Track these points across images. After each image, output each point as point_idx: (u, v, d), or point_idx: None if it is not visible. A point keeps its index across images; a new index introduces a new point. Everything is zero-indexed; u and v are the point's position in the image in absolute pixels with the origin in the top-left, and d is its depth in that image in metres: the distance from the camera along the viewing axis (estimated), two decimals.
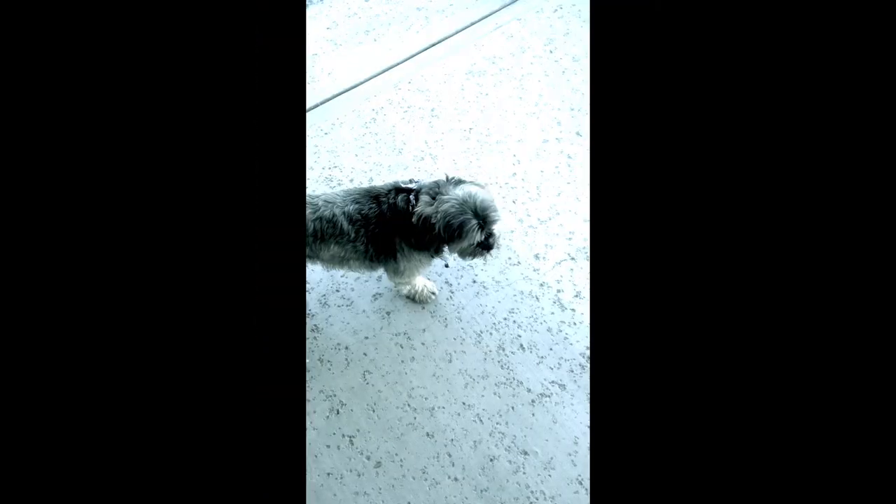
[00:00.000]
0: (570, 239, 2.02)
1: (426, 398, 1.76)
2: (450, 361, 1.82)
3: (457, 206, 1.47)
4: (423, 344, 1.86)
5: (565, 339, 1.83)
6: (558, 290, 1.92)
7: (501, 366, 1.80)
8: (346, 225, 1.59)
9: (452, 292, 1.95)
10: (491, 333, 1.86)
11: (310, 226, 1.59)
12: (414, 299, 1.92)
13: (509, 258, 2.00)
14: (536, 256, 2.00)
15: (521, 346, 1.83)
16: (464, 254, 1.60)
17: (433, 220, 1.50)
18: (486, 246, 1.57)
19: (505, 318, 1.89)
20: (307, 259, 1.70)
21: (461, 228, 1.47)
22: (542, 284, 1.94)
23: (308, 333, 1.91)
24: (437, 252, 1.58)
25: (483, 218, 1.49)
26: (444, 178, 1.57)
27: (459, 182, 1.56)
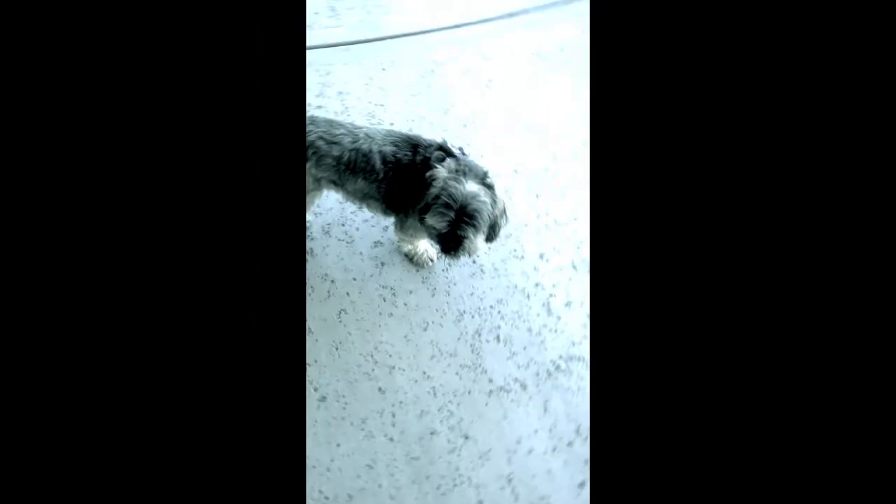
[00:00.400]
0: (578, 248, 1.99)
1: (390, 356, 1.77)
2: (425, 329, 1.83)
3: (456, 194, 1.43)
4: (405, 304, 1.87)
5: (542, 342, 1.82)
6: (551, 295, 1.90)
7: (472, 350, 1.80)
8: (378, 163, 1.57)
9: (449, 266, 1.94)
10: (473, 316, 1.86)
11: (345, 154, 1.57)
12: (411, 260, 1.92)
13: (514, 250, 1.98)
14: (541, 256, 1.97)
15: (498, 337, 1.83)
16: (428, 231, 1.55)
17: (433, 184, 1.47)
18: (444, 242, 1.51)
19: (491, 307, 1.88)
20: (332, 186, 1.69)
21: (437, 208, 1.44)
22: (537, 284, 1.92)
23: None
24: (422, 217, 1.53)
25: (460, 220, 1.44)
26: (482, 171, 1.53)
27: (489, 186, 1.51)
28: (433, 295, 1.89)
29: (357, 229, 1.99)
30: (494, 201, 1.50)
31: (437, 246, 1.55)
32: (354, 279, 1.90)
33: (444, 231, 1.48)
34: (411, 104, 2.30)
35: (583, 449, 1.68)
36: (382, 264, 1.93)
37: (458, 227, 1.46)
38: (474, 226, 1.45)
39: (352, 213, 2.01)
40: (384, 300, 1.87)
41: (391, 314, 1.85)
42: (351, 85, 2.32)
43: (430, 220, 1.48)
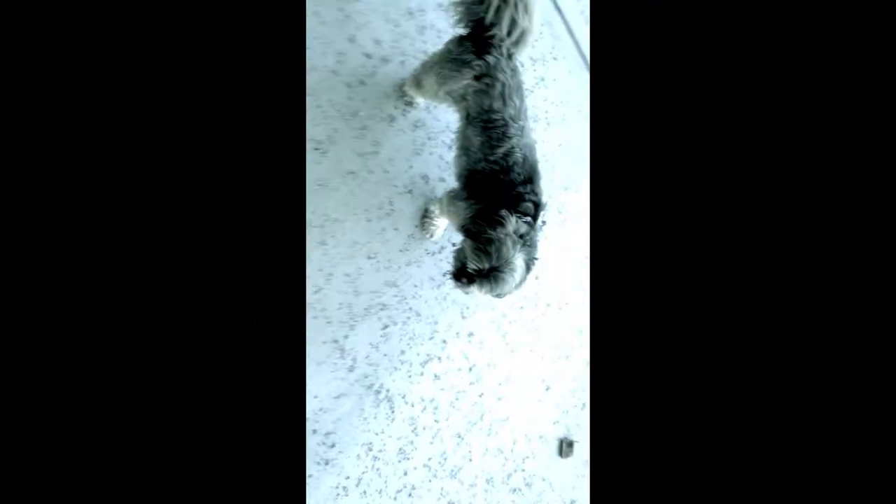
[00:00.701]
0: (498, 374, 2.07)
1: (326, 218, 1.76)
2: (367, 255, 1.84)
3: (504, 255, 1.41)
4: (388, 214, 1.87)
5: (394, 368, 1.88)
6: (439, 358, 1.97)
7: (355, 292, 1.83)
8: (502, 150, 1.53)
9: (434, 254, 1.97)
10: (395, 296, 1.89)
11: (498, 115, 1.52)
12: (423, 218, 1.93)
13: (466, 308, 2.03)
14: (470, 335, 2.04)
15: (385, 326, 1.87)
16: (458, 251, 1.54)
17: (497, 227, 1.44)
18: (460, 273, 1.49)
19: (409, 308, 1.92)
20: (462, 113, 1.63)
21: (481, 251, 1.43)
22: (444, 342, 1.98)
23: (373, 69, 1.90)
24: (466, 230, 1.52)
25: (487, 274, 1.43)
26: (535, 254, 1.53)
27: (529, 268, 1.51)
28: (400, 251, 1.90)
29: (431, 152, 1.98)
30: (521, 283, 1.51)
31: (454, 262, 1.55)
32: (385, 171, 1.88)
33: (469, 269, 1.47)
34: (560, 154, 2.31)
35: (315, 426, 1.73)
36: (410, 192, 1.93)
37: (480, 276, 1.45)
38: (490, 286, 1.46)
39: (445, 141, 1.99)
40: (379, 209, 1.87)
41: (359, 204, 1.85)
42: (556, 87, 2.32)
43: (469, 251, 1.46)
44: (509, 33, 1.52)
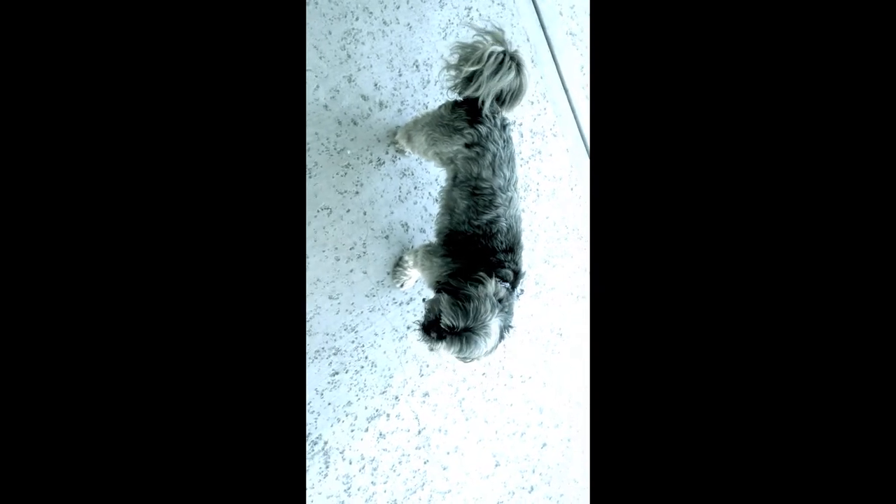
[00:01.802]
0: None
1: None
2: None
3: (480, 316, 1.34)
4: (359, 256, 1.81)
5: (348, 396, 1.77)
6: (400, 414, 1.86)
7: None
8: (486, 216, 1.52)
9: (401, 306, 1.91)
10: (353, 331, 1.81)
11: (487, 184, 1.50)
12: (396, 266, 1.88)
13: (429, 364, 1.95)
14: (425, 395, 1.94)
15: (334, 371, 1.77)
16: (434, 305, 1.47)
17: (477, 286, 1.38)
18: (430, 327, 1.41)
19: (365, 344, 1.83)
20: (450, 173, 1.61)
21: (457, 307, 1.36)
22: (396, 397, 1.88)
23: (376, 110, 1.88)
24: (440, 286, 1.47)
25: (460, 333, 1.36)
26: (511, 321, 1.47)
27: (502, 336, 1.44)
28: (366, 295, 1.84)
29: (415, 202, 1.96)
30: (492, 349, 1.43)
31: (426, 313, 1.46)
32: (364, 213, 1.84)
33: (442, 324, 1.38)
34: (546, 227, 2.31)
35: None
36: (387, 237, 1.89)
37: (452, 334, 1.36)
38: (460, 347, 1.36)
39: (432, 193, 1.97)
40: (350, 249, 1.82)
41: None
42: (552, 162, 2.34)
43: (445, 306, 1.38)
44: (501, 99, 1.52)
